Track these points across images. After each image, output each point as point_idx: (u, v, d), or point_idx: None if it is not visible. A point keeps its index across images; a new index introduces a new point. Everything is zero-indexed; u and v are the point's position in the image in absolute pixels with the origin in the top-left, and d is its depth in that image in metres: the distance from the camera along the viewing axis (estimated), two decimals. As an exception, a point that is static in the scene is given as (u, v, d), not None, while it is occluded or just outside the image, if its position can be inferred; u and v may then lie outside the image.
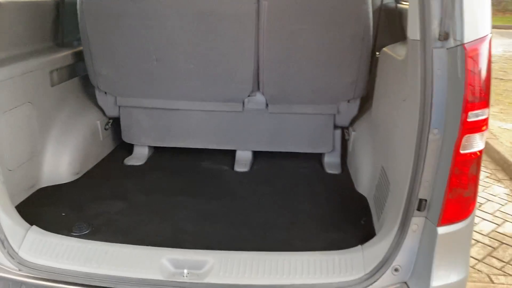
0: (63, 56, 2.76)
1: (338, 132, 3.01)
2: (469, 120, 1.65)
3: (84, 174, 2.75)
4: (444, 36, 1.63)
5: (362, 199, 2.46)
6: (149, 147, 3.10)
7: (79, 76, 2.94)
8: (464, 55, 1.60)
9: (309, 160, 3.04)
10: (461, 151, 1.70)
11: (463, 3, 1.58)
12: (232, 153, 3.03)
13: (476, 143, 1.72)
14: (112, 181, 2.69)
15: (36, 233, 2.04)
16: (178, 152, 3.07)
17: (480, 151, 1.76)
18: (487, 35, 1.64)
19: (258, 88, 2.82)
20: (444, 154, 1.72)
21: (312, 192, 2.64)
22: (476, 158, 1.74)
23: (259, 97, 2.86)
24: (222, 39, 2.60)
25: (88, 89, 2.96)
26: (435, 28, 1.64)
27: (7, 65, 2.27)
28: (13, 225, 2.01)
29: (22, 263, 1.91)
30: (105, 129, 3.05)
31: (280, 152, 3.02)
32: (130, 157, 3.03)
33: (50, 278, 1.86)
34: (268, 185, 2.71)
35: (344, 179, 2.80)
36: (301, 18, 2.52)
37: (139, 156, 3.05)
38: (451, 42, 1.63)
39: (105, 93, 2.92)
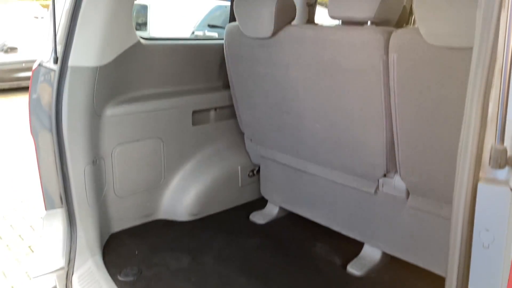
0: (216, 97, 2.78)
1: None
2: None
3: (202, 218, 2.70)
4: (503, 160, 0.70)
5: None
6: (281, 208, 2.75)
7: (236, 119, 2.90)
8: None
9: None
10: None
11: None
12: (359, 245, 2.31)
13: None
14: (211, 233, 2.52)
15: (94, 263, 2.14)
16: (305, 222, 2.59)
17: None
18: None
19: (397, 170, 2.03)
20: None
21: None
22: None
23: (397, 181, 2.07)
24: (346, 98, 2.01)
25: (241, 133, 2.89)
26: (488, 140, 0.73)
27: (142, 100, 2.46)
28: (84, 247, 2.18)
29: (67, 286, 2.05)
30: (249, 176, 2.90)
31: (420, 268, 2.08)
32: (257, 212, 2.77)
33: None
34: None
35: None
36: (443, 79, 1.64)
37: (266, 214, 2.75)
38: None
39: (250, 140, 2.78)
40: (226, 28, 2.50)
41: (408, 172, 1.97)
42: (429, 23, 1.58)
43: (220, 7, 9.77)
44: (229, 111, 2.86)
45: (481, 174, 0.74)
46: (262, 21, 2.15)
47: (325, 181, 2.40)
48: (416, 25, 1.66)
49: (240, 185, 2.87)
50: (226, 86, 2.87)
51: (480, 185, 0.73)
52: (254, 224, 2.68)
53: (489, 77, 0.72)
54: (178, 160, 2.68)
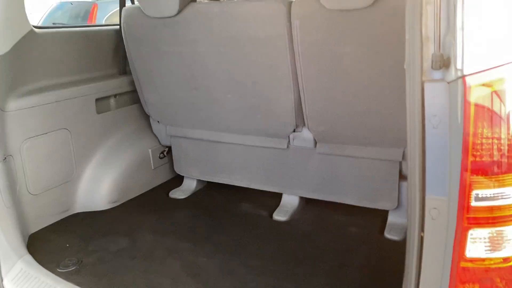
0: (117, 84, 2.78)
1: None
2: (474, 204, 0.97)
3: (122, 203, 2.70)
4: (442, 63, 1.00)
5: None
6: (198, 181, 2.90)
7: (139, 103, 2.93)
8: (463, 94, 0.95)
9: (368, 216, 2.40)
10: (469, 255, 1.02)
11: (466, 12, 0.95)
12: (278, 196, 2.61)
13: (501, 242, 1.01)
14: (139, 215, 2.56)
15: (25, 262, 2.03)
16: (224, 190, 2.79)
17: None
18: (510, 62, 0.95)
19: (304, 124, 2.36)
20: (447, 255, 1.06)
21: (350, 262, 2.04)
22: (505, 269, 1.03)
23: (306, 134, 2.40)
24: (256, 66, 2.25)
25: (146, 116, 2.93)
26: (429, 50, 1.03)
27: (45, 91, 2.36)
28: (8, 251, 2.04)
29: None
30: (160, 157, 2.97)
31: (334, 203, 2.46)
32: (176, 189, 2.88)
33: None
34: (298, 244, 2.21)
35: (402, 249, 2.09)
36: (341, 39, 1.99)
37: (185, 189, 2.87)
38: (452, 73, 0.99)
39: (158, 121, 2.85)
40: (122, 12, 2.52)
41: (315, 124, 2.30)
42: (326, -10, 1.90)
43: (62, 5, 9.22)
44: (131, 96, 2.88)
45: (424, 78, 1.04)
46: (166, 0, 2.25)
47: (240, 147, 2.62)
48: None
49: (152, 167, 2.93)
50: (123, 72, 2.88)
51: (426, 84, 1.04)
52: (176, 200, 2.78)
53: (421, 7, 1.03)
54: (88, 150, 2.62)
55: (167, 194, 2.85)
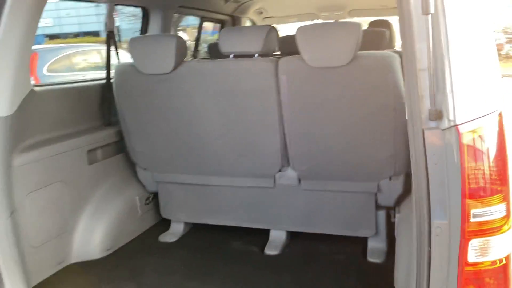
0: (105, 135, 2.91)
1: (383, 214, 2.64)
2: (473, 220, 1.29)
3: (116, 250, 2.78)
4: (437, 115, 1.33)
5: None
6: (186, 223, 3.05)
7: (124, 152, 3.06)
8: (458, 139, 1.28)
9: (350, 244, 2.69)
10: (470, 260, 1.32)
11: (454, 75, 1.29)
12: (266, 232, 2.83)
13: (493, 249, 1.32)
14: (136, 260, 2.67)
15: None
16: (213, 230, 2.96)
17: (507, 258, 1.35)
18: (494, 111, 1.30)
19: (289, 163, 2.64)
20: (451, 263, 1.35)
21: (344, 286, 2.30)
22: (497, 269, 1.33)
23: (290, 172, 2.67)
24: (246, 115, 2.52)
25: (132, 164, 3.07)
26: (425, 105, 1.36)
27: (40, 147, 2.45)
28: None
29: None
30: (146, 204, 3.10)
31: (320, 234, 2.73)
32: (165, 233, 3.01)
33: None
34: (294, 274, 2.44)
35: (385, 270, 2.39)
36: (323, 90, 2.33)
37: (174, 232, 3.01)
38: (445, 122, 1.32)
39: (144, 168, 2.99)
40: (116, 68, 2.70)
41: (299, 164, 2.59)
42: (310, 50, 2.24)
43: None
44: (116, 146, 3.02)
45: (423, 126, 1.37)
46: (163, 58, 2.48)
47: (228, 188, 2.83)
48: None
49: (139, 213, 3.04)
50: (107, 123, 3.02)
51: (426, 131, 1.36)
52: (168, 243, 2.90)
53: (416, 73, 1.36)
54: (81, 200, 2.71)
55: (157, 238, 2.96)
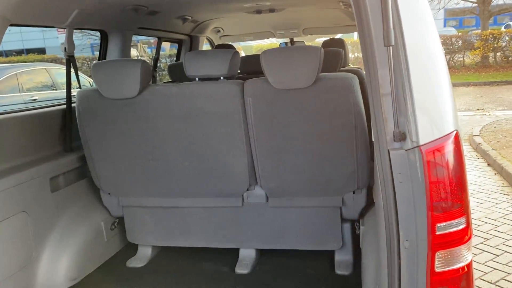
0: (67, 161, 2.85)
1: (348, 226, 2.75)
2: (438, 233, 1.39)
3: (83, 279, 2.71)
4: (400, 137, 1.44)
5: None
6: (153, 247, 3.03)
7: (87, 178, 3.00)
8: (421, 158, 1.39)
9: (318, 258, 2.78)
10: (437, 270, 1.42)
11: (414, 99, 1.40)
12: (236, 251, 2.86)
13: (457, 258, 1.44)
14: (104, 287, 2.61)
15: None
16: (182, 252, 2.96)
17: (468, 265, 1.47)
18: (451, 132, 1.42)
19: (257, 182, 2.70)
20: (420, 273, 1.45)
21: None
22: (460, 276, 1.45)
23: (258, 191, 2.73)
24: (213, 136, 2.56)
25: (96, 189, 3.01)
26: (390, 127, 1.46)
27: (4, 176, 2.37)
28: None
29: None
30: (111, 229, 3.04)
31: (289, 250, 2.79)
32: (132, 258, 2.97)
33: None
34: None
35: (354, 282, 2.49)
36: (288, 111, 2.42)
37: (141, 257, 2.98)
38: (408, 143, 1.43)
39: (109, 193, 2.95)
40: (77, 94, 2.67)
41: (266, 182, 2.66)
42: (275, 73, 2.32)
43: None
44: (79, 172, 2.96)
45: (389, 147, 1.47)
46: (128, 83, 2.48)
47: (196, 209, 2.85)
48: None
49: (105, 239, 2.98)
50: (69, 149, 2.96)
51: (391, 151, 1.46)
52: (136, 269, 2.86)
53: (379, 98, 1.47)
54: (45, 230, 2.63)
55: (125, 264, 2.92)
